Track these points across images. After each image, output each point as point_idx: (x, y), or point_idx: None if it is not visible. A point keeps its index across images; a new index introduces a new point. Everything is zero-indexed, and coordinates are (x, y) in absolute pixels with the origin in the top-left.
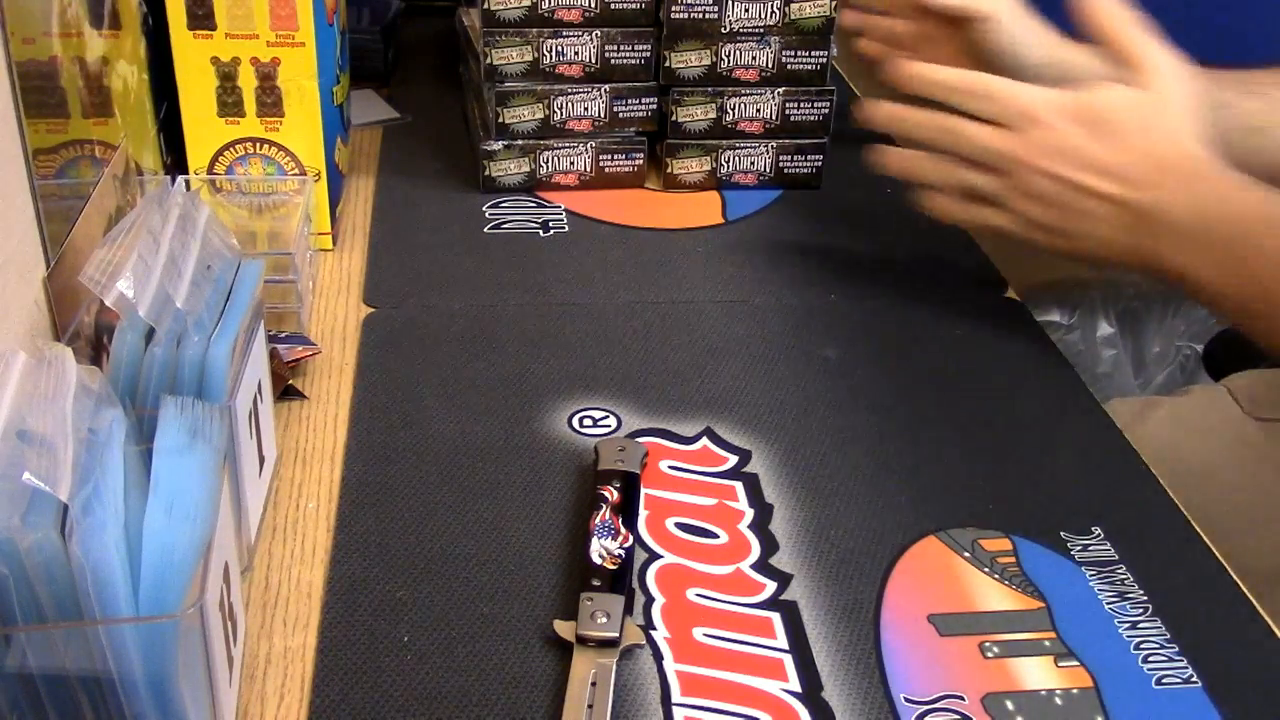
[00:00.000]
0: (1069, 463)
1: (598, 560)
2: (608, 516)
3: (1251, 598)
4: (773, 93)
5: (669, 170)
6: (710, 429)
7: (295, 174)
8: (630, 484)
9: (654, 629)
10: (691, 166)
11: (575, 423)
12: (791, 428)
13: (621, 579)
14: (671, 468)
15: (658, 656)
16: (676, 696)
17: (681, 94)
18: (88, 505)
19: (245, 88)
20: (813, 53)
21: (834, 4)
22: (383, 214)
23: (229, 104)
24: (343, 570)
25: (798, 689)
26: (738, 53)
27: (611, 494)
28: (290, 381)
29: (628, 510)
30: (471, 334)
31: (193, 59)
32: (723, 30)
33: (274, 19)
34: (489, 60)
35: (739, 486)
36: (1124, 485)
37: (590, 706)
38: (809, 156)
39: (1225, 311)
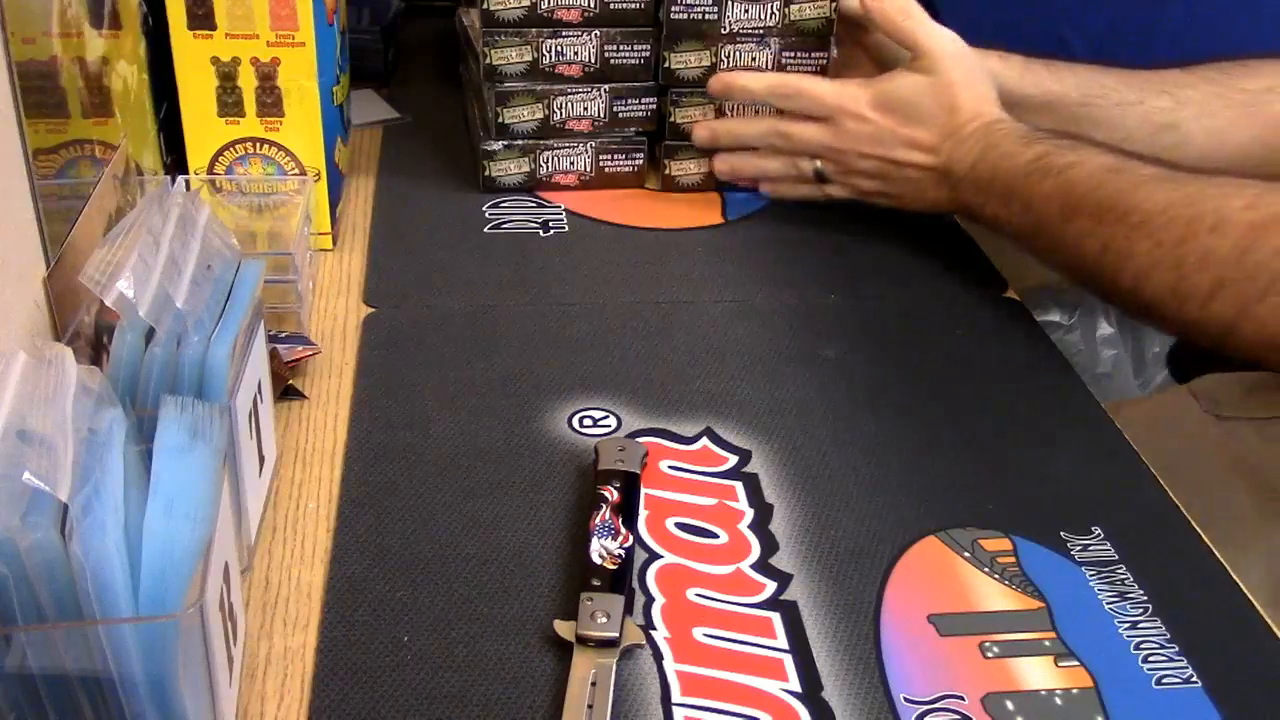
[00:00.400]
0: (1069, 463)
1: (598, 560)
2: (608, 516)
3: (1251, 597)
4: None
5: (667, 172)
6: (710, 429)
7: (295, 174)
8: (630, 484)
9: (654, 629)
10: (690, 169)
11: (575, 423)
12: (791, 428)
13: (621, 579)
14: (671, 468)
15: (658, 656)
16: (676, 696)
17: (680, 95)
18: (88, 505)
19: (245, 88)
20: (813, 54)
21: (834, 5)
22: (383, 214)
23: (229, 104)
24: (343, 570)
25: (798, 689)
26: (737, 54)
27: (611, 494)
28: (290, 381)
29: (628, 510)
30: (471, 334)
31: (193, 59)
32: (723, 31)
33: (274, 19)
34: (488, 60)
35: (739, 486)
36: (1124, 485)
37: (590, 706)
38: None
39: (1013, 239)
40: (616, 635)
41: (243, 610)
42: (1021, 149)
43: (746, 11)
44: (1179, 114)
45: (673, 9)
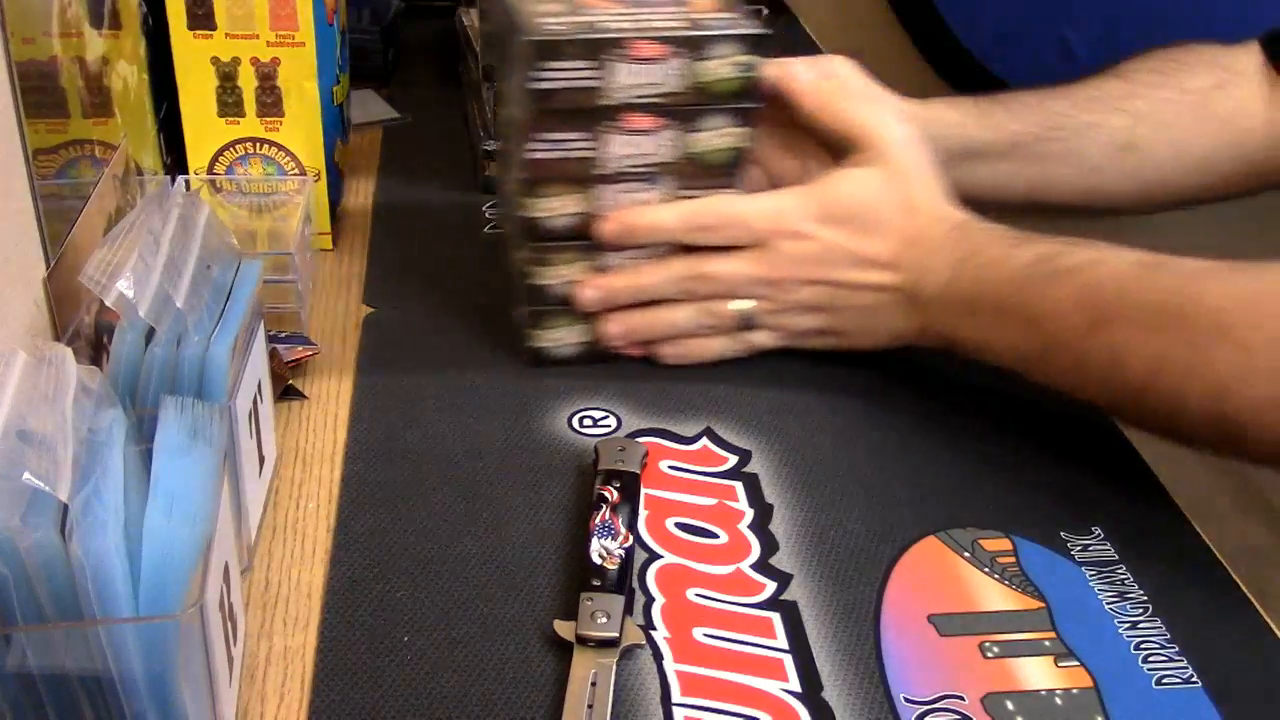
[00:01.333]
0: (1069, 463)
1: (598, 560)
2: (608, 516)
3: (1252, 597)
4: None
5: (535, 345)
6: (710, 429)
7: (295, 174)
8: (630, 484)
9: (654, 629)
10: (565, 338)
11: (575, 423)
12: (791, 428)
13: (621, 579)
14: (671, 468)
15: (658, 656)
16: (676, 696)
17: (546, 251)
18: (88, 505)
19: (245, 88)
20: (717, 193)
21: (749, 132)
22: (383, 214)
23: (229, 104)
24: (343, 570)
25: (798, 689)
26: (619, 197)
27: (611, 494)
28: (290, 381)
29: (628, 510)
30: (472, 334)
31: (193, 59)
32: (597, 172)
33: (274, 19)
34: (487, 60)
35: (739, 486)
36: (1124, 485)
37: (590, 706)
38: None
39: (1012, 365)
40: (616, 635)
41: (243, 610)
42: (1012, 251)
43: (632, 145)
44: (1137, 131)
45: (533, 147)
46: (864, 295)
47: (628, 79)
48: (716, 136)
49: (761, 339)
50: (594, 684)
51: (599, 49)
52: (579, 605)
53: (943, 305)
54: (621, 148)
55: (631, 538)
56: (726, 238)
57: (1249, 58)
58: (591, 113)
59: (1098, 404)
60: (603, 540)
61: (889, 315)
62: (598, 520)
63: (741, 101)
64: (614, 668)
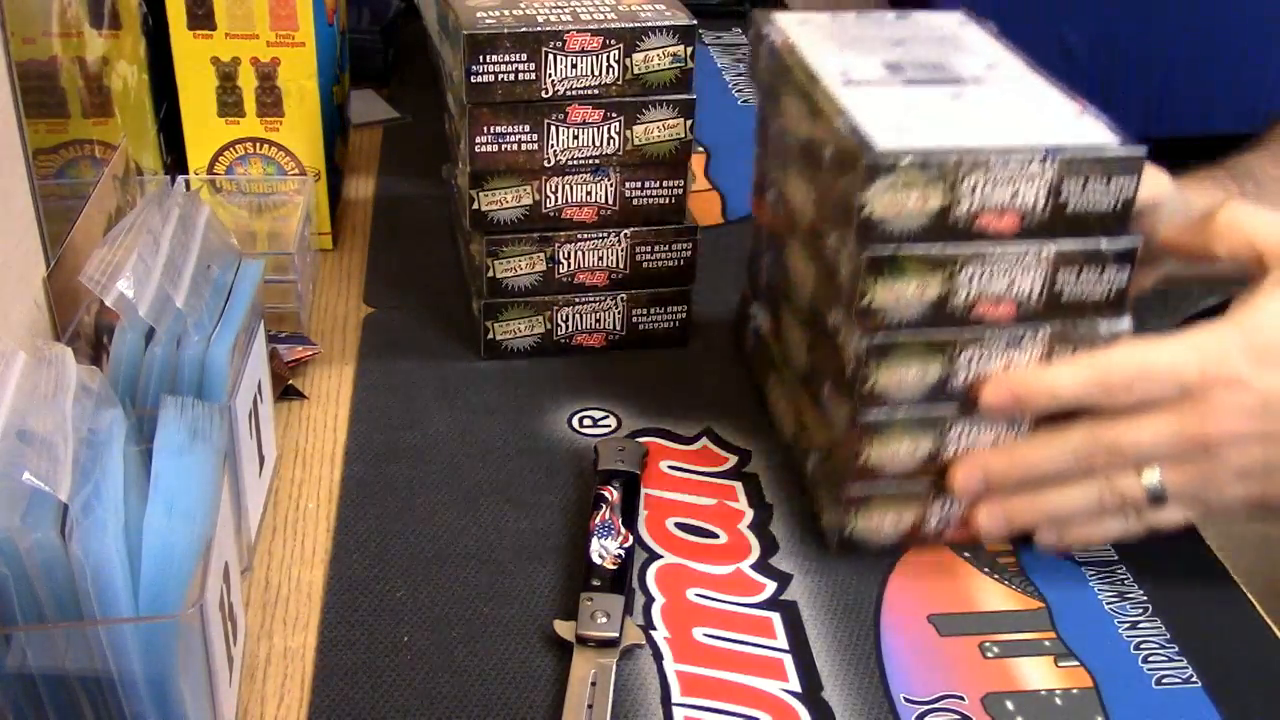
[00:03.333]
0: None
1: (598, 560)
2: (608, 516)
3: (1252, 597)
4: (618, 236)
5: (491, 337)
6: (710, 429)
7: (295, 174)
8: (630, 484)
9: (654, 629)
10: (520, 329)
11: (575, 423)
12: None
13: (621, 579)
14: (671, 468)
15: (658, 656)
16: (676, 696)
17: (498, 245)
18: (88, 505)
19: (245, 88)
20: (664, 184)
21: (689, 125)
22: (383, 214)
23: (229, 104)
24: (343, 570)
25: (798, 689)
26: (568, 188)
27: (611, 494)
28: (290, 381)
29: (628, 510)
30: (471, 334)
31: (193, 59)
32: (545, 164)
33: (274, 19)
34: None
35: (739, 486)
36: None
37: (590, 706)
38: (668, 308)
39: None
40: (616, 635)
41: (243, 610)
42: None
43: (575, 138)
44: None
45: (477, 141)
46: None
47: (565, 72)
48: (658, 128)
49: (1173, 516)
50: (594, 684)
51: (535, 42)
52: (579, 605)
53: None
54: (564, 139)
55: (631, 538)
56: (1144, 395)
57: None
58: (532, 106)
59: None
60: (603, 540)
61: None
62: (598, 520)
63: (678, 93)
64: (614, 668)
